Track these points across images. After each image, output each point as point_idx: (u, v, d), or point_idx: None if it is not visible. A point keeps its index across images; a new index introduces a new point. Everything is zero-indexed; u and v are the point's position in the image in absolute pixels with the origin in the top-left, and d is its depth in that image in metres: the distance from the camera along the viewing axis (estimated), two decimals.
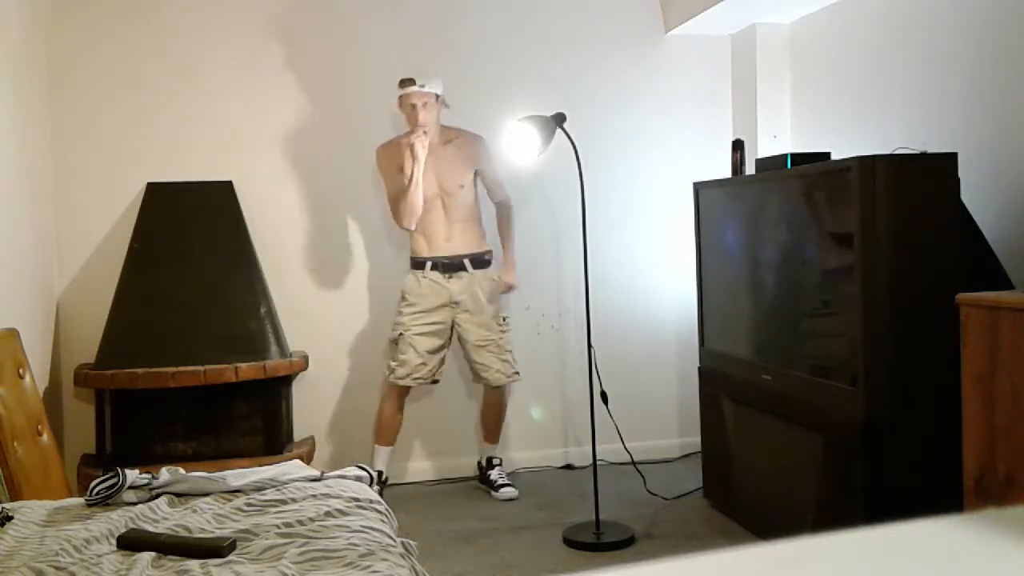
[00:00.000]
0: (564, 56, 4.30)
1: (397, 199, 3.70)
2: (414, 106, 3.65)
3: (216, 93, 4.00)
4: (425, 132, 3.64)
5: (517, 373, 3.87)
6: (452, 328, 3.79)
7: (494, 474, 3.92)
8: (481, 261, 3.80)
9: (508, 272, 3.89)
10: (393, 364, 3.76)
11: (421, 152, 3.62)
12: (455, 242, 3.77)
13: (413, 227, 3.72)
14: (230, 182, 3.92)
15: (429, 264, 3.75)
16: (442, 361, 3.83)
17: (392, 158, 3.75)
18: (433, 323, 3.75)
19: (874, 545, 0.53)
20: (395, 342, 3.77)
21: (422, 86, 3.63)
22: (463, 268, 3.76)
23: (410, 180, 3.64)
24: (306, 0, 4.09)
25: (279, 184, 4.07)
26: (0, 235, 3.14)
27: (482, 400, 4.00)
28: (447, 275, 3.75)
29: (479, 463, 4.04)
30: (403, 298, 3.78)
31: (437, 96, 3.68)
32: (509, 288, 3.90)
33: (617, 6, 4.37)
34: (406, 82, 3.64)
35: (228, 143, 4.01)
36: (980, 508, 2.25)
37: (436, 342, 3.77)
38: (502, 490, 3.85)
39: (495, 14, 4.26)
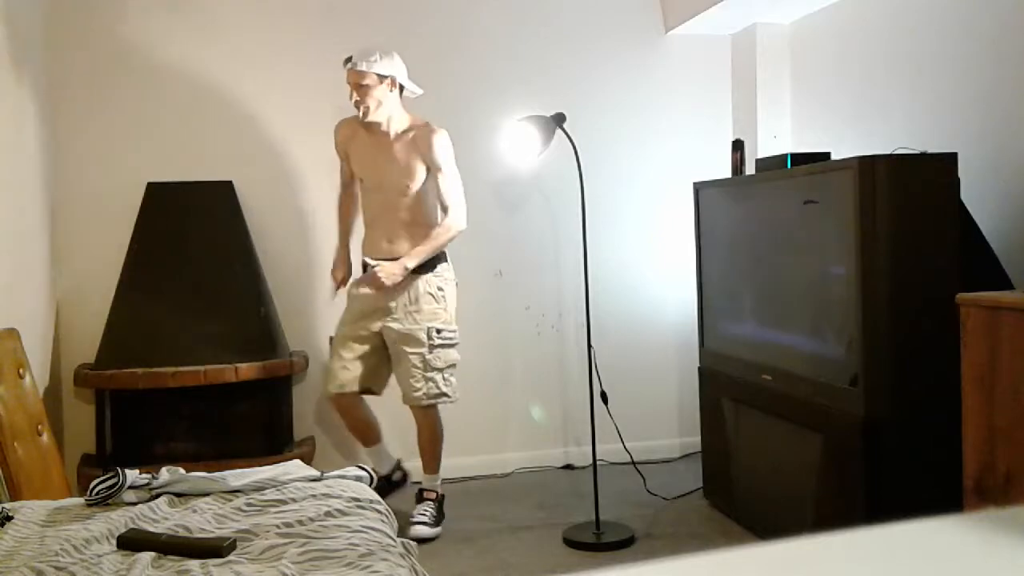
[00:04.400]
0: (564, 56, 4.30)
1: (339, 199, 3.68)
2: (354, 87, 3.35)
3: (216, 93, 4.00)
4: (366, 112, 3.34)
5: (445, 395, 3.42)
6: (383, 336, 3.47)
7: (419, 507, 3.43)
8: (419, 266, 3.37)
9: (397, 263, 3.34)
10: (326, 372, 3.59)
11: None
12: (396, 245, 3.40)
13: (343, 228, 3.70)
14: (230, 182, 3.92)
15: (368, 266, 3.42)
16: (373, 370, 3.49)
17: (342, 139, 3.55)
18: (361, 327, 3.44)
19: (874, 545, 0.53)
20: (330, 345, 3.56)
21: (355, 65, 3.31)
22: None
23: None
24: (305, 1, 4.10)
25: (279, 184, 4.07)
26: (0, 235, 3.14)
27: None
28: None
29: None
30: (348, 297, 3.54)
31: (382, 78, 3.33)
32: (372, 279, 3.34)
33: (617, 6, 4.38)
34: (346, 60, 3.36)
35: (228, 143, 4.01)
36: (980, 508, 2.26)
37: (361, 348, 3.45)
38: (414, 528, 3.31)
39: (495, 14, 4.26)
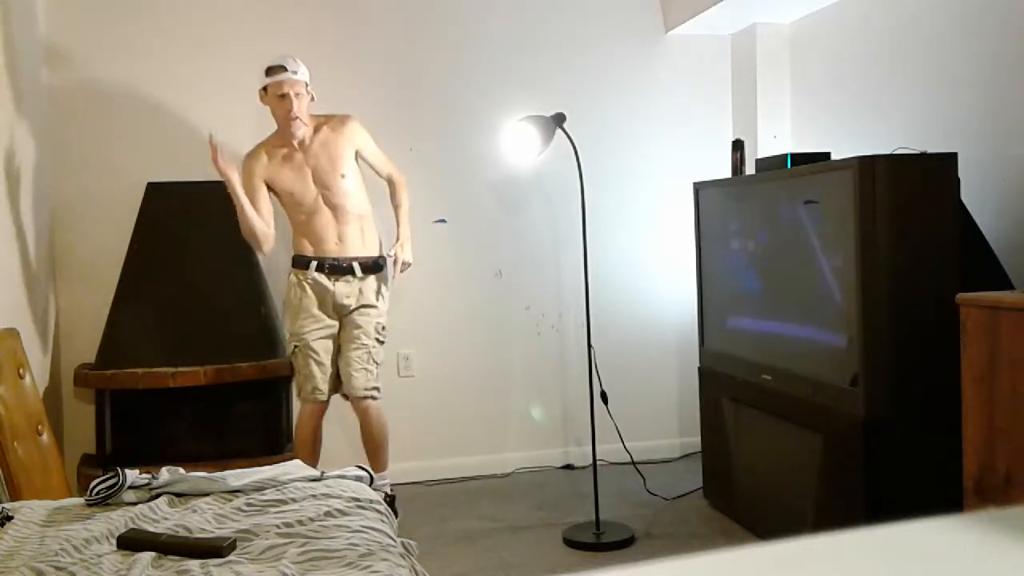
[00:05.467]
0: (564, 56, 4.30)
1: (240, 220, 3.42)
2: (284, 95, 3.29)
3: (216, 93, 3.99)
4: (300, 124, 3.33)
5: (376, 390, 3.46)
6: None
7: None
8: (372, 266, 3.47)
9: (402, 247, 3.48)
10: (300, 380, 3.46)
11: (231, 175, 3.29)
12: (346, 244, 3.44)
13: (266, 251, 3.48)
14: None
15: (314, 264, 3.42)
16: (337, 371, 3.50)
17: (250, 170, 3.41)
18: (326, 326, 3.44)
19: (874, 545, 0.53)
20: (294, 356, 3.45)
21: (294, 72, 3.29)
22: (351, 272, 3.43)
23: (237, 207, 3.35)
24: (303, 1, 4.10)
25: None
26: (0, 236, 3.14)
27: (360, 422, 3.54)
28: (332, 278, 3.42)
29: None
30: (290, 305, 3.47)
31: (306, 85, 3.35)
32: (405, 265, 3.47)
33: (617, 6, 4.38)
34: (276, 69, 3.30)
35: (228, 143, 4.00)
36: (980, 508, 2.26)
37: (332, 348, 3.46)
38: None
39: (495, 14, 4.26)
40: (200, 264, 3.77)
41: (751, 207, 3.38)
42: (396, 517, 3.36)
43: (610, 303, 4.25)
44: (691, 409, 3.94)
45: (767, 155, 3.71)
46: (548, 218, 4.30)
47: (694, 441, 4.00)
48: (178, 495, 2.21)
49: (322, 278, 3.44)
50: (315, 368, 3.43)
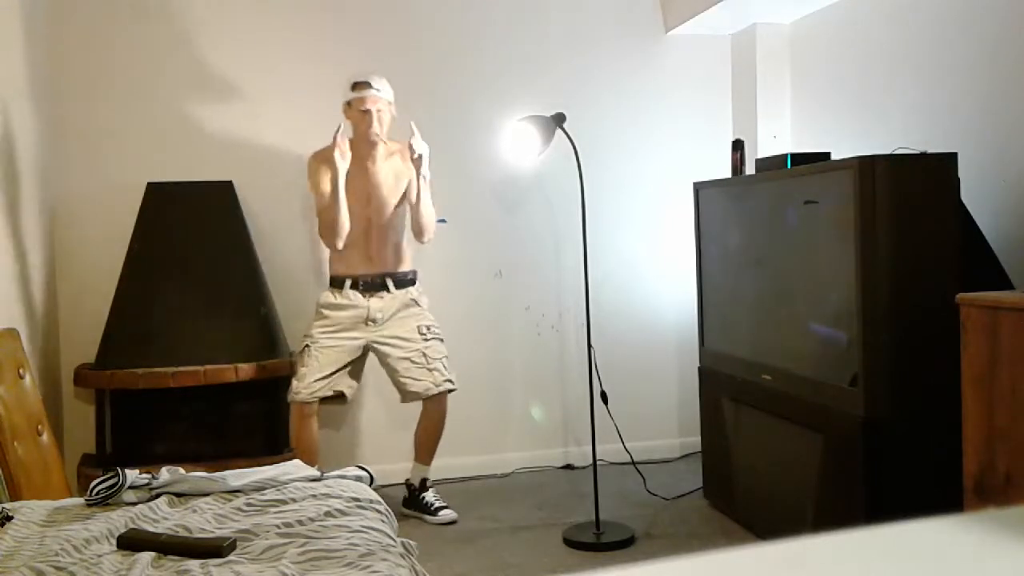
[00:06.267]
0: (564, 56, 4.30)
1: (323, 215, 3.51)
2: (366, 112, 3.43)
3: (216, 93, 4.00)
4: (377, 141, 3.46)
5: (450, 381, 3.58)
6: (367, 348, 3.57)
7: (429, 496, 3.65)
8: (403, 280, 3.59)
9: (418, 148, 3.43)
10: (294, 381, 3.52)
11: (341, 163, 3.37)
12: (377, 261, 3.56)
13: (341, 246, 3.48)
14: (230, 182, 3.91)
15: (348, 282, 3.53)
16: (351, 377, 3.59)
17: (324, 169, 3.48)
18: (344, 339, 3.52)
19: (874, 545, 0.53)
20: (301, 353, 3.54)
21: (378, 90, 3.43)
22: (384, 287, 3.55)
23: (333, 195, 3.41)
24: (305, 1, 4.10)
25: (279, 184, 4.06)
26: (0, 235, 3.14)
27: (420, 416, 3.68)
28: (367, 294, 3.53)
29: (408, 483, 3.72)
30: (317, 312, 3.56)
31: (390, 103, 3.49)
32: (417, 155, 3.42)
33: (617, 6, 4.38)
34: (361, 85, 3.43)
35: (228, 143, 4.01)
36: (980, 508, 2.26)
37: (344, 358, 3.52)
38: (441, 513, 3.59)
39: (495, 14, 4.26)
40: (200, 264, 3.77)
41: (751, 207, 3.38)
42: (437, 504, 3.59)
43: (610, 303, 4.25)
44: (691, 409, 3.94)
45: (767, 155, 3.71)
46: (548, 218, 4.31)
47: (694, 441, 4.00)
48: (178, 495, 2.21)
49: (356, 296, 3.53)
50: (312, 370, 3.49)
